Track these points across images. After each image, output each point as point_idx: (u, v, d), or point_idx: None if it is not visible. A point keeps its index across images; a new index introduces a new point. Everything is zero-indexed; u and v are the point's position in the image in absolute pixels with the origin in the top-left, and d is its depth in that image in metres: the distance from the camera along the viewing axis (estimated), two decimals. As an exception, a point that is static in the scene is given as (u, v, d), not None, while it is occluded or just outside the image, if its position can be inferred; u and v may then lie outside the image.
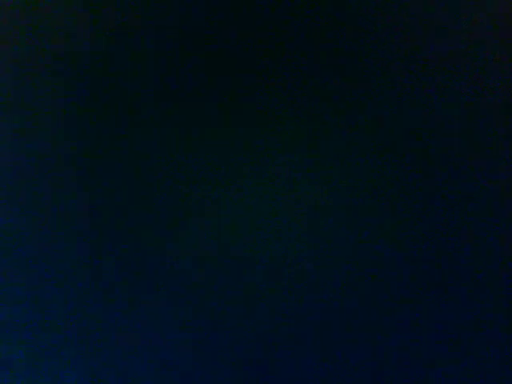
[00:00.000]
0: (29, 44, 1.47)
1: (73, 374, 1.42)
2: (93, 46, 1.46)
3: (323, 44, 1.43)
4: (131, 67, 1.45)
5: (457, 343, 1.38)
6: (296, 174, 1.42)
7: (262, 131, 1.43)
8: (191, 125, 1.43)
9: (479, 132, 1.40)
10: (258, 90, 1.43)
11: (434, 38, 1.42)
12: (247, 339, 1.40)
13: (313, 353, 1.39)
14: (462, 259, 1.39)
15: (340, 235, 1.40)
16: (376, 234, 1.40)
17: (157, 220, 1.43)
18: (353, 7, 1.42)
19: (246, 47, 1.43)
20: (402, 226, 1.40)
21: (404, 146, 1.41)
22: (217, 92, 1.43)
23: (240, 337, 1.40)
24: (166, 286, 1.42)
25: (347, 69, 1.42)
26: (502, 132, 1.40)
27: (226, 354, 1.41)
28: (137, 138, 1.44)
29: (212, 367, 1.41)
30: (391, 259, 1.39)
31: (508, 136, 1.40)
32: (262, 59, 1.43)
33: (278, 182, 1.42)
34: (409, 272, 1.39)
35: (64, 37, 1.46)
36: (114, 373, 1.42)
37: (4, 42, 1.47)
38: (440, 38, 1.42)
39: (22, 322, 1.43)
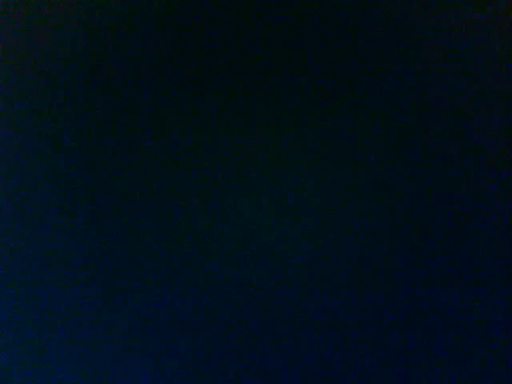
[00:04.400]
0: (28, 44, 1.47)
1: (72, 375, 1.42)
2: (92, 45, 1.46)
3: (323, 44, 1.43)
4: (131, 67, 1.45)
5: (457, 344, 1.38)
6: (298, 175, 1.42)
7: (263, 131, 1.43)
8: (192, 125, 1.44)
9: (480, 132, 1.41)
10: (259, 90, 1.43)
11: (434, 38, 1.42)
12: (247, 339, 1.40)
13: (313, 354, 1.39)
14: (463, 259, 1.39)
15: (343, 236, 1.41)
16: (378, 235, 1.40)
17: (157, 220, 1.43)
18: (354, 7, 1.43)
19: (245, 47, 1.43)
20: (404, 226, 1.40)
21: (406, 146, 1.41)
22: (217, 92, 1.44)
23: (239, 337, 1.40)
24: (166, 285, 1.42)
25: (349, 68, 1.42)
26: (503, 132, 1.40)
27: (226, 354, 1.41)
28: (136, 138, 1.44)
29: (213, 368, 1.40)
30: (392, 259, 1.40)
31: (508, 136, 1.40)
32: (263, 59, 1.43)
33: (278, 182, 1.42)
34: (410, 272, 1.39)
35: (64, 36, 1.46)
36: (114, 374, 1.41)
37: (4, 42, 1.47)
38: (440, 38, 1.42)
39: (22, 322, 1.43)
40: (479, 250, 1.39)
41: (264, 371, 1.40)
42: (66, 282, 1.43)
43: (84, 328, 1.42)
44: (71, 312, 1.42)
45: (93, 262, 1.43)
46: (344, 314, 1.40)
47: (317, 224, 1.41)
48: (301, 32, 1.43)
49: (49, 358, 1.42)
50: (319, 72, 1.43)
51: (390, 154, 1.41)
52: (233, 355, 1.40)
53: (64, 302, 1.43)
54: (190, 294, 1.41)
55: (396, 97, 1.42)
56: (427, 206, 1.40)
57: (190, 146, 1.43)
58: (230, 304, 1.41)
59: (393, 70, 1.42)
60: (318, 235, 1.41)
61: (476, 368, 1.38)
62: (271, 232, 1.41)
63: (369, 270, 1.40)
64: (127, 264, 1.42)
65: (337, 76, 1.42)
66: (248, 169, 1.43)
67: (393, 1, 1.43)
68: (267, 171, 1.42)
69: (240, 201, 1.42)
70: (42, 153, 1.45)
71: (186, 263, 1.42)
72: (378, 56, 1.42)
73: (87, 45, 1.46)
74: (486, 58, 1.42)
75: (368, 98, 1.42)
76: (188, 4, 1.45)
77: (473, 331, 1.38)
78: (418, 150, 1.41)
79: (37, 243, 1.44)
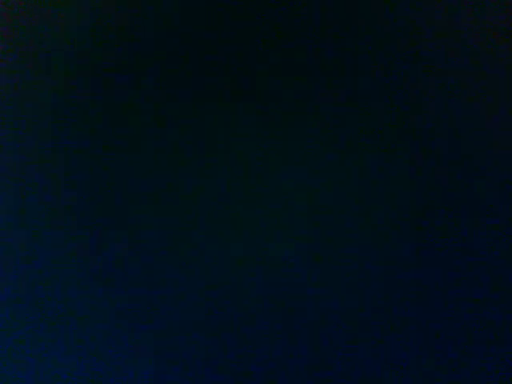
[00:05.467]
0: (29, 43, 1.47)
1: (72, 375, 1.42)
2: (93, 45, 1.46)
3: (322, 44, 1.43)
4: (132, 67, 1.45)
5: (457, 345, 1.38)
6: (295, 176, 1.42)
7: (260, 132, 1.43)
8: (189, 126, 1.44)
9: (480, 132, 1.40)
10: (257, 90, 1.43)
11: (434, 37, 1.42)
12: (247, 340, 1.41)
13: (313, 354, 1.39)
14: (464, 260, 1.39)
15: (341, 236, 1.40)
16: (376, 235, 1.40)
17: (157, 220, 1.43)
18: (353, 7, 1.43)
19: (244, 47, 1.43)
20: (403, 227, 1.40)
21: (404, 145, 1.41)
22: (214, 93, 1.44)
23: (240, 338, 1.41)
24: (166, 284, 1.42)
25: (346, 68, 1.42)
26: (503, 131, 1.40)
27: (227, 355, 1.41)
28: (137, 138, 1.44)
29: (215, 368, 1.41)
30: (392, 260, 1.40)
31: (508, 135, 1.40)
32: (260, 60, 1.43)
33: (276, 183, 1.42)
34: (410, 273, 1.39)
35: (64, 36, 1.46)
36: (114, 373, 1.42)
37: (4, 41, 1.47)
38: (440, 37, 1.42)
39: (22, 321, 1.43)
40: (479, 250, 1.39)
41: (264, 371, 1.40)
42: (67, 282, 1.43)
43: (84, 328, 1.42)
44: (72, 312, 1.43)
45: (93, 262, 1.43)
46: (344, 315, 1.40)
47: (317, 224, 1.41)
48: (300, 33, 1.43)
49: (50, 359, 1.43)
50: (319, 72, 1.42)
51: (390, 154, 1.41)
52: (233, 356, 1.40)
53: (65, 303, 1.43)
54: (191, 294, 1.41)
55: (396, 97, 1.42)
56: (427, 209, 1.40)
57: (191, 147, 1.43)
58: (230, 305, 1.41)
59: (392, 70, 1.42)
60: (318, 235, 1.41)
61: (476, 368, 1.38)
62: (271, 233, 1.41)
63: (368, 271, 1.40)
64: (128, 264, 1.43)
65: (337, 76, 1.42)
66: (248, 169, 1.43)
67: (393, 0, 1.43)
68: (268, 171, 1.42)
69: (240, 201, 1.42)
70: (43, 153, 1.45)
71: (187, 264, 1.42)
72: (377, 56, 1.42)
73: (88, 45, 1.46)
74: (487, 57, 1.42)
75: (368, 98, 1.42)
76: (188, 5, 1.45)
77: (472, 332, 1.38)
78: (418, 151, 1.41)
79: (37, 243, 1.44)
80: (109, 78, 1.45)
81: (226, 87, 1.43)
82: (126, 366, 1.41)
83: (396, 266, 1.39)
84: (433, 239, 1.39)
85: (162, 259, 1.42)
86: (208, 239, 1.42)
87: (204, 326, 1.41)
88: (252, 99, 1.43)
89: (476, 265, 1.39)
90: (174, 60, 1.44)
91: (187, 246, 1.42)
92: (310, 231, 1.41)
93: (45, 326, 1.43)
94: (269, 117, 1.43)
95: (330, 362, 1.39)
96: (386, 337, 1.39)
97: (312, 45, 1.43)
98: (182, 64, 1.44)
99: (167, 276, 1.42)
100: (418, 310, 1.39)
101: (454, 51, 1.42)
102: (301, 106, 1.42)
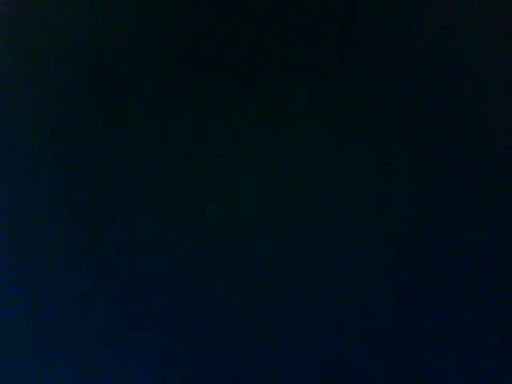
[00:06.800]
0: (30, 43, 1.47)
1: (73, 375, 1.42)
2: (94, 45, 1.46)
3: (323, 43, 1.43)
4: (132, 66, 1.45)
5: (457, 346, 1.38)
6: (298, 176, 1.42)
7: (260, 132, 1.43)
8: (192, 124, 1.44)
9: (480, 132, 1.40)
10: (257, 90, 1.43)
11: (434, 37, 1.42)
12: (247, 340, 1.41)
13: (314, 354, 1.39)
14: (464, 261, 1.39)
15: (341, 236, 1.41)
16: (379, 236, 1.40)
17: (157, 220, 1.43)
18: (353, 7, 1.43)
19: (244, 47, 1.43)
20: (406, 227, 1.40)
21: (407, 146, 1.41)
22: (217, 91, 1.44)
23: (240, 338, 1.41)
24: (166, 285, 1.42)
25: (346, 68, 1.42)
26: (503, 131, 1.40)
27: (227, 355, 1.41)
28: (137, 138, 1.44)
29: (214, 367, 1.41)
30: (394, 261, 1.40)
31: (508, 135, 1.40)
32: (260, 60, 1.43)
33: (279, 182, 1.42)
34: (412, 274, 1.39)
35: (65, 35, 1.46)
36: (114, 373, 1.42)
37: (5, 39, 1.47)
38: (440, 37, 1.42)
39: (23, 322, 1.43)
40: (479, 250, 1.39)
41: (264, 371, 1.40)
42: (67, 283, 1.43)
43: (85, 330, 1.43)
44: (72, 313, 1.43)
45: (94, 263, 1.43)
46: (343, 316, 1.40)
47: (317, 224, 1.41)
48: (300, 32, 1.43)
49: (50, 359, 1.43)
50: (320, 72, 1.43)
51: (390, 154, 1.41)
52: (234, 357, 1.40)
53: (65, 304, 1.43)
54: (191, 294, 1.42)
55: (396, 97, 1.42)
56: (427, 209, 1.40)
57: (191, 147, 1.43)
58: (230, 305, 1.41)
59: (392, 70, 1.42)
60: (317, 235, 1.41)
61: (476, 368, 1.38)
62: (271, 232, 1.42)
63: (367, 272, 1.40)
64: (129, 264, 1.43)
65: (337, 76, 1.42)
66: (248, 169, 1.43)
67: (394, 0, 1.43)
68: (268, 171, 1.42)
69: (239, 201, 1.42)
70: (42, 153, 1.45)
71: (187, 264, 1.42)
72: (377, 56, 1.42)
73: (89, 46, 1.46)
74: (487, 57, 1.42)
75: (368, 98, 1.42)
76: (188, 5, 1.45)
77: (472, 334, 1.38)
78: (418, 151, 1.41)
79: (37, 243, 1.44)
80: (109, 77, 1.45)
81: (226, 87, 1.43)
82: (126, 367, 1.41)
83: (396, 267, 1.39)
84: (433, 240, 1.39)
85: (162, 259, 1.42)
86: (208, 239, 1.42)
87: (204, 325, 1.41)
88: (252, 99, 1.43)
89: (476, 266, 1.39)
90: (174, 60, 1.44)
91: (188, 246, 1.42)
92: (310, 231, 1.41)
93: (45, 326, 1.43)
94: (269, 117, 1.43)
95: (333, 363, 1.39)
96: (386, 338, 1.39)
97: (312, 44, 1.43)
98: (181, 64, 1.44)
99: (167, 276, 1.42)
100: (417, 312, 1.39)
101: (454, 51, 1.42)
102: (301, 105, 1.42)
